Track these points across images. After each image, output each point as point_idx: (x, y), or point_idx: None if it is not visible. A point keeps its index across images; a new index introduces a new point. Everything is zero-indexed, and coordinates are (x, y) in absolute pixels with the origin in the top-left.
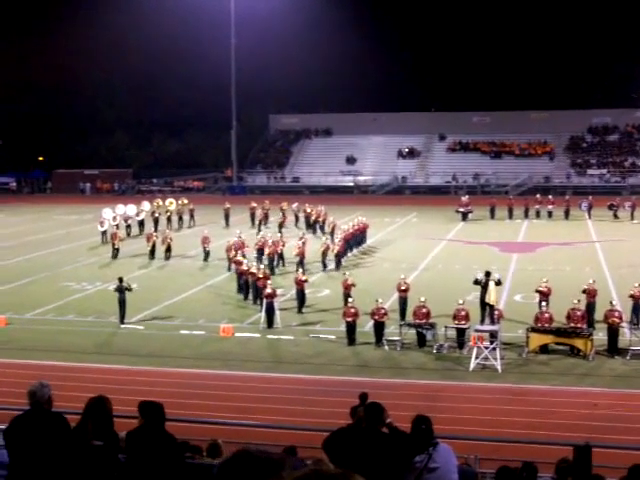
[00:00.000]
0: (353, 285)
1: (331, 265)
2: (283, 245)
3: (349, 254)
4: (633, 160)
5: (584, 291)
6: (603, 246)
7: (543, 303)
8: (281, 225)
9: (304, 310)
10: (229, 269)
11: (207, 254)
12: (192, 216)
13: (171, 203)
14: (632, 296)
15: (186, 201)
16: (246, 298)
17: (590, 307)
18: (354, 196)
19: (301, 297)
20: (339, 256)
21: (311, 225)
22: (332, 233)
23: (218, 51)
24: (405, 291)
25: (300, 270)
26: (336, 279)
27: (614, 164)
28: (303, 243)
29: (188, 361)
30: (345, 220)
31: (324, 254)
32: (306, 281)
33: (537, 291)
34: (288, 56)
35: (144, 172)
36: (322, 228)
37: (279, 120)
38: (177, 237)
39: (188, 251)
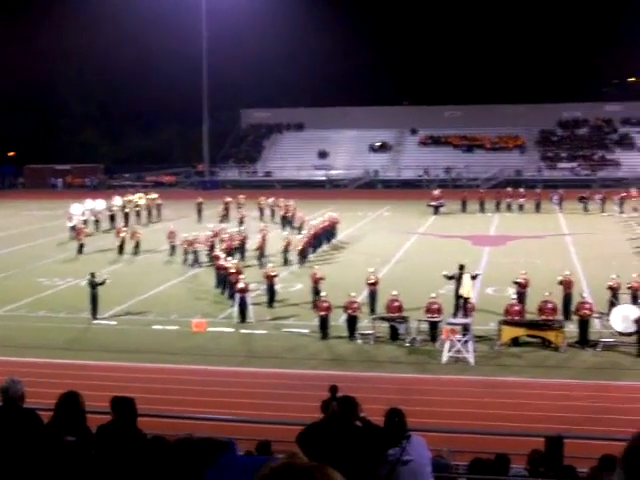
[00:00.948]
0: (322, 279)
1: (296, 260)
2: (244, 240)
3: (320, 249)
4: (603, 153)
5: (560, 282)
6: (574, 239)
7: (513, 296)
8: (240, 218)
9: (277, 305)
10: (189, 262)
11: (173, 249)
12: (159, 211)
13: (140, 198)
14: (610, 287)
15: (155, 196)
16: (223, 293)
17: (567, 298)
18: (326, 190)
19: (271, 292)
20: (303, 252)
21: (282, 220)
22: (301, 228)
23: (189, 46)
24: (374, 284)
25: (270, 265)
26: (307, 274)
27: (584, 157)
28: (263, 237)
29: (161, 356)
30: (316, 215)
31: (286, 249)
32: (276, 276)
33: (515, 283)
34: (260, 51)
35: (116, 167)
36: (291, 223)
37: (251, 114)
38: (146, 232)
39: (158, 246)
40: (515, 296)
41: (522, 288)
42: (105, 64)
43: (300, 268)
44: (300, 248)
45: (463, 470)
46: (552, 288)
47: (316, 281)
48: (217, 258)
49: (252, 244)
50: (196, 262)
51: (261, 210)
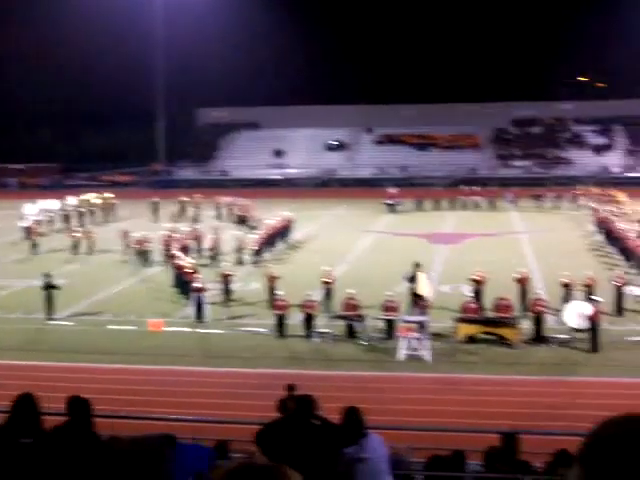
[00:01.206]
0: (277, 278)
1: (251, 260)
2: (198, 239)
3: (275, 249)
4: (556, 152)
5: (517, 279)
6: (528, 236)
7: (469, 293)
8: (195, 217)
9: (233, 304)
10: (140, 262)
11: (127, 248)
12: (114, 211)
13: (95, 197)
14: (564, 284)
15: (110, 195)
16: (180, 292)
17: (523, 295)
18: (283, 189)
19: (227, 291)
20: (258, 252)
21: (237, 219)
22: (256, 227)
23: (145, 44)
24: (330, 283)
25: (225, 263)
26: (263, 273)
27: (538, 156)
28: (216, 236)
29: (118, 357)
30: (271, 215)
31: (239, 249)
32: (232, 275)
33: (471, 280)
34: (216, 49)
35: (71, 166)
36: (247, 222)
37: (207, 113)
38: (101, 232)
39: (113, 246)
40: (471, 294)
41: (478, 285)
42: (61, 63)
43: (255, 267)
44: (254, 248)
45: (420, 467)
46: (508, 285)
47: (271, 280)
48: (174, 257)
49: (206, 243)
50: (147, 262)
51: (218, 209)
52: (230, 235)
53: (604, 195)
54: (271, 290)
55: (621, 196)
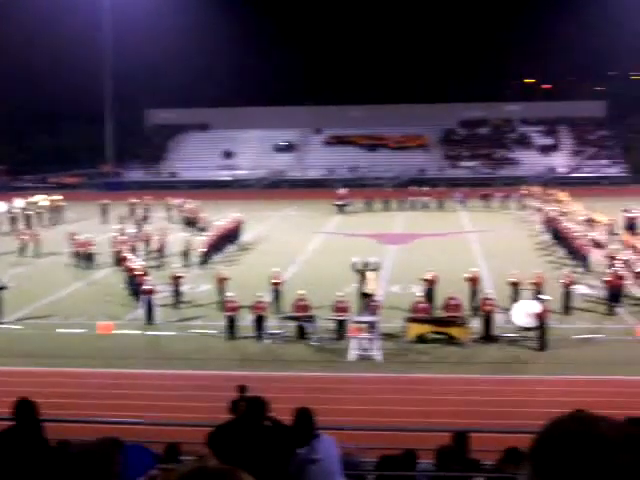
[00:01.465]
0: (227, 279)
1: (199, 262)
2: (147, 241)
3: (225, 250)
4: (503, 153)
5: (468, 279)
6: (476, 236)
7: (419, 293)
8: (144, 219)
9: (183, 306)
10: (82, 265)
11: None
12: (62, 213)
13: (43, 199)
14: (512, 283)
15: (58, 197)
16: (132, 294)
17: (474, 294)
18: (232, 191)
19: (177, 293)
20: (206, 254)
21: (185, 221)
22: (205, 229)
23: (93, 45)
24: (278, 284)
25: (175, 265)
26: (213, 275)
27: (485, 156)
28: (162, 238)
29: (67, 360)
30: (219, 216)
31: (186, 251)
32: (182, 277)
33: (423, 280)
34: (164, 50)
35: (18, 168)
36: (195, 224)
37: (156, 115)
38: (49, 234)
39: (61, 248)
40: (421, 293)
41: (430, 285)
42: (7, 63)
43: (203, 269)
44: (203, 250)
45: (372, 467)
46: (458, 285)
47: (221, 282)
48: (125, 259)
49: (154, 245)
50: (90, 264)
51: (169, 211)
52: (179, 237)
53: (545, 195)
54: (221, 292)
55: (562, 196)
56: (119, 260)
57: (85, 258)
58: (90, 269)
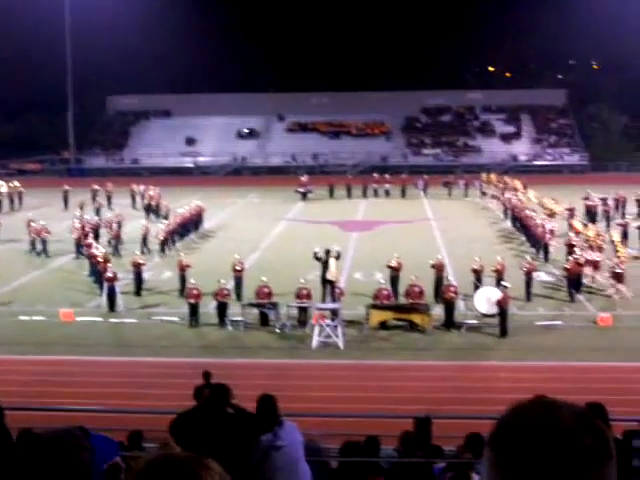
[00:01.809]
0: (188, 266)
1: (159, 249)
2: (109, 227)
3: (187, 238)
4: (465, 140)
5: (433, 266)
6: (438, 223)
7: (381, 280)
8: (102, 206)
9: (146, 293)
10: (37, 251)
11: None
12: (21, 199)
13: (2, 186)
14: (474, 270)
15: (17, 184)
16: (96, 282)
17: (438, 281)
18: (194, 177)
19: (139, 280)
20: (165, 241)
21: (146, 208)
22: (167, 217)
23: (53, 31)
24: (240, 271)
25: (137, 252)
26: (175, 262)
27: (447, 144)
28: (119, 225)
29: (28, 347)
30: (182, 203)
31: (144, 238)
32: (143, 264)
33: (388, 266)
34: (126, 36)
35: None
36: (156, 212)
37: (117, 101)
38: (8, 221)
39: (20, 235)
40: (384, 280)
41: (395, 271)
42: None
43: (165, 256)
44: (163, 237)
45: (335, 453)
46: (421, 272)
47: (182, 268)
48: (89, 246)
49: (112, 232)
50: (44, 251)
51: (133, 197)
52: (140, 224)
53: (501, 182)
54: (182, 279)
55: (518, 184)
56: (79, 247)
57: (40, 245)
58: (45, 256)
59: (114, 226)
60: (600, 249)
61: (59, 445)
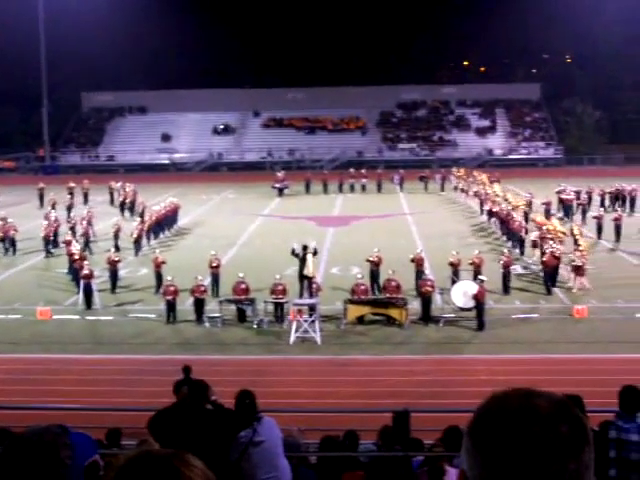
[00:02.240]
0: (164, 262)
1: (135, 246)
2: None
3: (162, 235)
4: (440, 134)
5: (412, 260)
6: (415, 218)
7: (359, 275)
8: (72, 204)
9: (123, 290)
10: (5, 248)
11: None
12: None
13: None
14: (451, 264)
15: None
16: (74, 279)
17: (418, 275)
18: (170, 174)
19: (114, 277)
20: (138, 240)
21: (120, 205)
22: (142, 214)
23: (27, 27)
24: (217, 267)
25: (112, 249)
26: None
27: (423, 138)
28: (88, 222)
29: (5, 346)
30: (157, 200)
31: (116, 235)
32: (119, 261)
33: (368, 261)
34: (100, 32)
35: None
36: (131, 209)
37: (92, 98)
38: None
39: None
40: (360, 275)
41: (375, 266)
42: None
43: (141, 253)
44: (135, 236)
45: (314, 448)
46: (399, 266)
47: (158, 265)
48: (69, 244)
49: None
50: (12, 249)
51: (111, 194)
52: (115, 221)
53: (469, 177)
54: (158, 276)
55: (484, 178)
56: (47, 244)
57: (10, 243)
58: (13, 254)
59: (83, 223)
60: (561, 242)
61: (39, 443)
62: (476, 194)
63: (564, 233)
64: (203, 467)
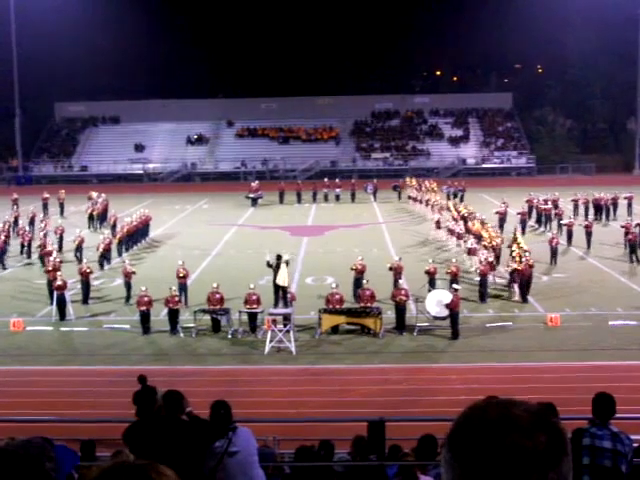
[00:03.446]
0: (133, 272)
1: (106, 257)
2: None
3: (134, 245)
4: (414, 144)
5: (390, 268)
6: (388, 227)
7: (333, 285)
8: (33, 218)
9: (96, 301)
10: None
11: None
12: None
13: None
14: (427, 272)
15: None
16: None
17: (397, 283)
18: (144, 184)
19: (86, 288)
20: (104, 254)
21: (89, 217)
22: (114, 226)
23: (0, 38)
24: (184, 277)
25: (85, 260)
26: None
27: (397, 148)
28: (44, 234)
29: None
30: (129, 211)
31: (78, 247)
32: (91, 272)
33: (352, 269)
34: (73, 42)
35: None
36: (101, 221)
37: (65, 108)
38: None
39: None
40: (334, 285)
41: (358, 274)
42: None
43: (113, 264)
44: (102, 250)
45: (289, 458)
46: (373, 275)
47: (127, 275)
48: (50, 254)
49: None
50: None
51: (89, 205)
52: (78, 232)
53: (420, 186)
54: (128, 286)
55: (435, 186)
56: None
57: None
58: None
59: (40, 234)
60: (494, 249)
61: (25, 456)
62: (427, 203)
63: (499, 242)
64: (176, 478)
